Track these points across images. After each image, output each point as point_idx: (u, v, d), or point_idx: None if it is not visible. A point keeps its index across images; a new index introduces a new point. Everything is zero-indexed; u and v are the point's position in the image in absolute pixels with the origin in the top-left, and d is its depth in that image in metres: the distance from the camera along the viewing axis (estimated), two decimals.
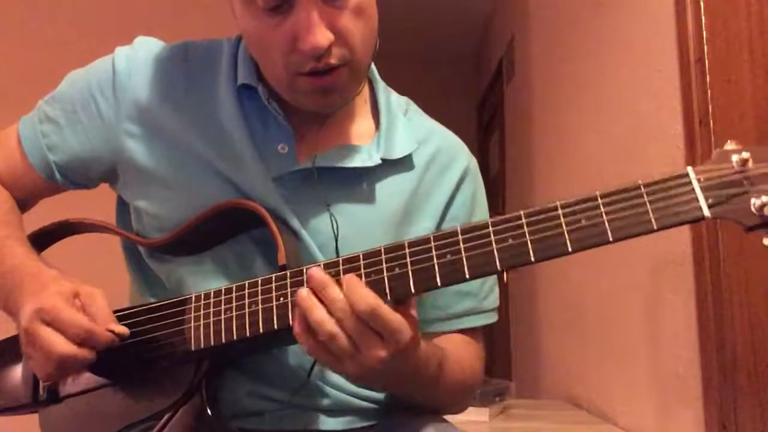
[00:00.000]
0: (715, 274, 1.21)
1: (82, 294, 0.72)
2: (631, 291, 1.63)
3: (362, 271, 0.68)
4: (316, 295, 0.65)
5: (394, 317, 0.65)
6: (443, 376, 0.79)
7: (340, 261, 0.69)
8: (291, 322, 0.68)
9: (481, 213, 0.93)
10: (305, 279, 0.68)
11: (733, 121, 1.18)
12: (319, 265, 0.70)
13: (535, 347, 2.70)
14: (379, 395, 0.86)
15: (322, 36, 0.71)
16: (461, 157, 0.92)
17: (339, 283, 0.66)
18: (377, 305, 0.64)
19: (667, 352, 1.43)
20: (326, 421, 0.83)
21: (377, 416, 0.86)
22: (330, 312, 0.65)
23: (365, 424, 0.85)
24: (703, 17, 1.26)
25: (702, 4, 1.27)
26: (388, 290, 0.66)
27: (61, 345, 0.69)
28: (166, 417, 0.75)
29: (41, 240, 0.90)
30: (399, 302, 0.67)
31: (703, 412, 1.25)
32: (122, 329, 0.73)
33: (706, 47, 1.25)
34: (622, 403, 1.71)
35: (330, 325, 0.64)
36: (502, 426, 1.71)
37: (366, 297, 0.64)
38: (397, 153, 0.85)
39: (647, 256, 1.51)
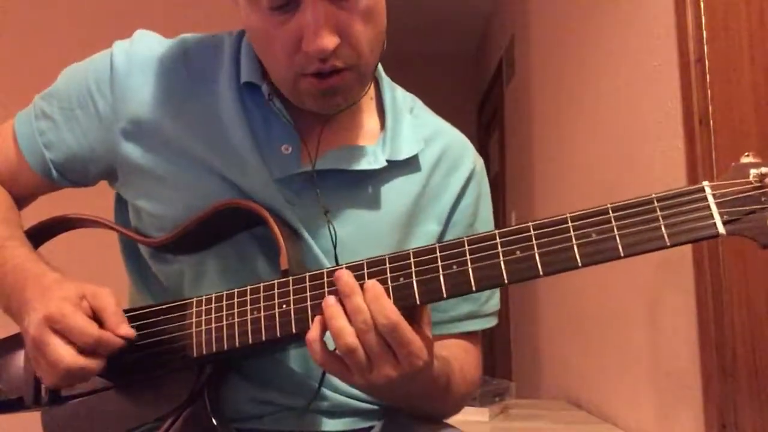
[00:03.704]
0: (715, 274, 1.21)
1: (89, 295, 0.71)
2: (631, 291, 1.63)
3: (366, 279, 0.66)
4: (340, 301, 0.64)
5: (414, 338, 0.63)
6: (449, 392, 0.78)
7: (344, 268, 0.68)
8: (294, 330, 0.68)
9: (485, 216, 0.91)
10: (325, 282, 0.67)
11: (733, 121, 1.18)
12: (322, 273, 0.69)
13: (535, 347, 2.70)
14: None
15: (328, 39, 0.69)
16: (468, 158, 0.90)
17: (362, 288, 0.64)
18: (399, 321, 0.62)
19: (667, 352, 1.42)
20: (326, 423, 0.82)
21: (377, 417, 0.85)
22: (351, 321, 0.63)
23: (365, 425, 0.84)
24: (703, 17, 1.26)
25: (702, 4, 1.26)
26: (392, 300, 0.64)
27: (69, 358, 0.67)
28: (168, 422, 0.74)
29: (38, 236, 0.88)
30: (413, 318, 0.65)
31: (703, 412, 1.25)
32: (130, 332, 0.71)
33: (706, 47, 1.25)
34: (622, 403, 1.71)
35: (350, 337, 0.62)
36: (502, 426, 1.71)
37: (389, 311, 0.62)
38: (403, 154, 0.83)
39: (647, 256, 1.50)
